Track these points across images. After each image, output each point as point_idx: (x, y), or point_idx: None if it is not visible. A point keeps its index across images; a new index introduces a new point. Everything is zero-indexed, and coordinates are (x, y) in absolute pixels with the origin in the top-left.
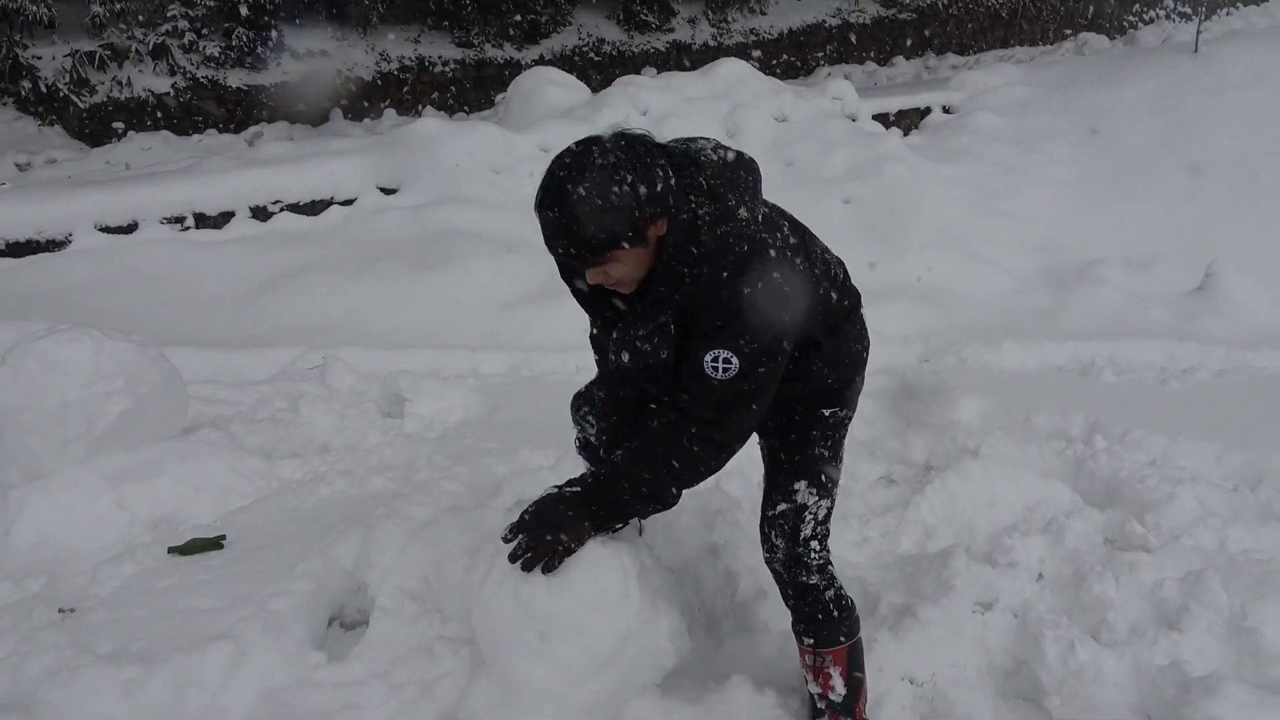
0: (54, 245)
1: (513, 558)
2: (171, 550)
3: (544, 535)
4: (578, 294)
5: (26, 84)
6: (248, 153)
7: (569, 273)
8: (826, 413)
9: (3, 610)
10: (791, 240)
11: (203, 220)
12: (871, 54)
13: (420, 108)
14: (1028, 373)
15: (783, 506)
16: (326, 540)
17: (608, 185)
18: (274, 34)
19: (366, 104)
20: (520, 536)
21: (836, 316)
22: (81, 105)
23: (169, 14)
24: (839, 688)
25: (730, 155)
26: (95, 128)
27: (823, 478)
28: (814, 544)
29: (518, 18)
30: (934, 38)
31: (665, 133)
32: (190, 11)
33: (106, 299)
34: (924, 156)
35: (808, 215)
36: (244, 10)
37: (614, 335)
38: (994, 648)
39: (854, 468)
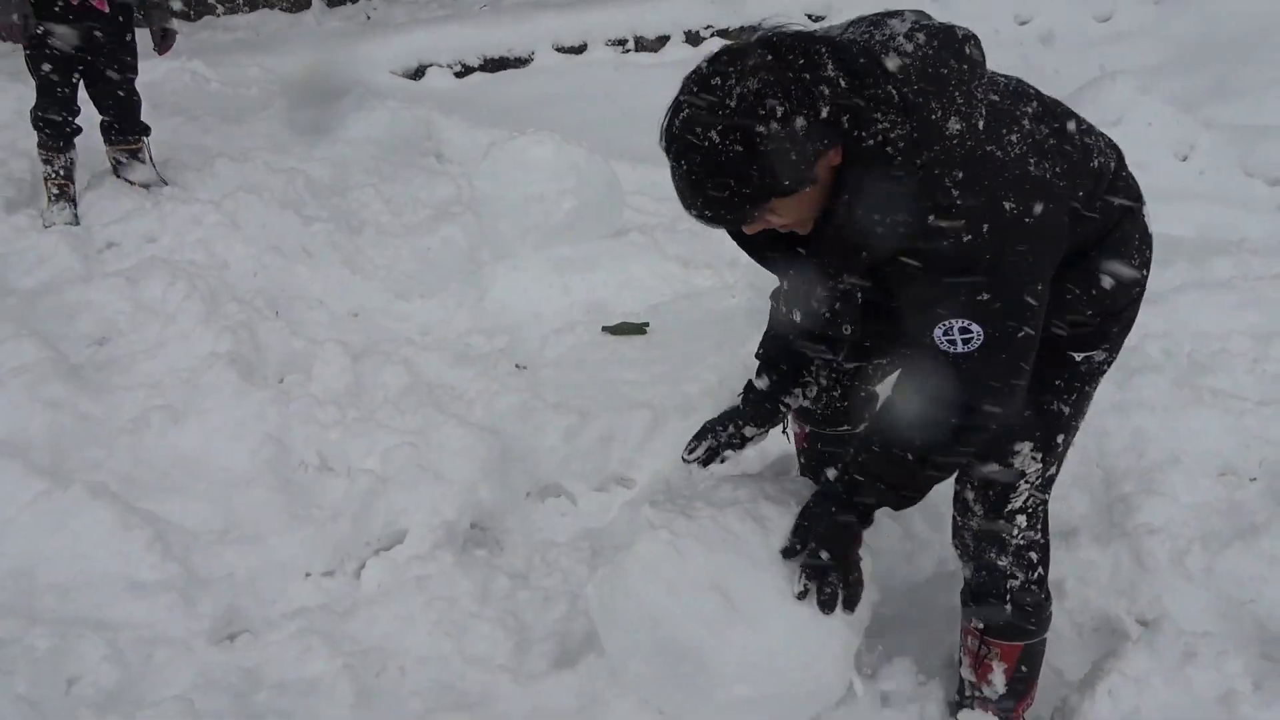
0: (519, 62)
1: (813, 594)
2: (604, 329)
3: (838, 558)
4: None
5: None
6: None
7: None
8: (1078, 358)
9: (479, 357)
10: (1033, 137)
11: (641, 43)
12: None
13: None
14: None
15: (993, 468)
16: (733, 341)
17: (751, 122)
18: None
19: None
20: (809, 559)
21: (1102, 222)
22: None
23: None
24: (998, 684)
25: (931, 40)
26: None
27: (1056, 440)
28: (1020, 519)
29: None
30: None
31: None
32: None
33: (560, 110)
34: None
35: None
36: None
37: (785, 287)
38: None
39: None
